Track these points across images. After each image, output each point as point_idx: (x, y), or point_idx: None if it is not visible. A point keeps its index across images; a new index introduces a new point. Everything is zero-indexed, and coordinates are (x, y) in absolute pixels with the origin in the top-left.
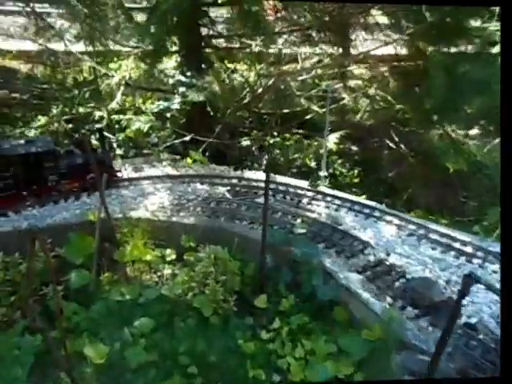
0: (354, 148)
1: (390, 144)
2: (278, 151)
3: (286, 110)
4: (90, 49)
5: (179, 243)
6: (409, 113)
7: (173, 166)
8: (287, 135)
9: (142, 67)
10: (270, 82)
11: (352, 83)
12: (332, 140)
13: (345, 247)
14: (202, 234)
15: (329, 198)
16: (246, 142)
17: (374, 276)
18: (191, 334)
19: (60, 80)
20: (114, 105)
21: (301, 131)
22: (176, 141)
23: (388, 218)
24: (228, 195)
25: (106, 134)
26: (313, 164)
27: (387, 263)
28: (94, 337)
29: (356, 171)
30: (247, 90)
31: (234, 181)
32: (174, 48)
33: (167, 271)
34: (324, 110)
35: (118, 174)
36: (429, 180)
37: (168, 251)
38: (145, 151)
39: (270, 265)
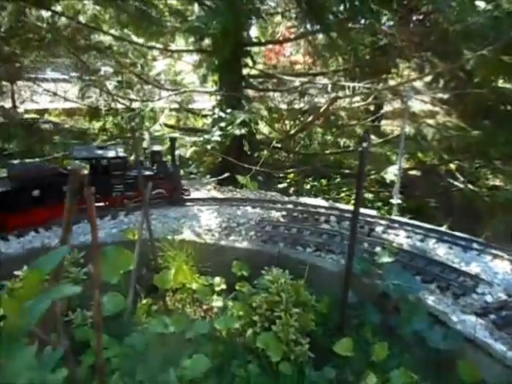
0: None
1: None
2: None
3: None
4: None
5: (229, 271)
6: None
7: (218, 190)
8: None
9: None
10: (322, 109)
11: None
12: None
13: (451, 282)
14: (257, 261)
15: (408, 227)
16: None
17: (502, 321)
18: None
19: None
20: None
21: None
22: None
23: (493, 251)
24: (283, 220)
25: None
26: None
27: None
28: (130, 378)
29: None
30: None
31: (290, 206)
32: (215, 87)
33: (217, 303)
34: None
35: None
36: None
37: (217, 280)
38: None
39: (350, 300)
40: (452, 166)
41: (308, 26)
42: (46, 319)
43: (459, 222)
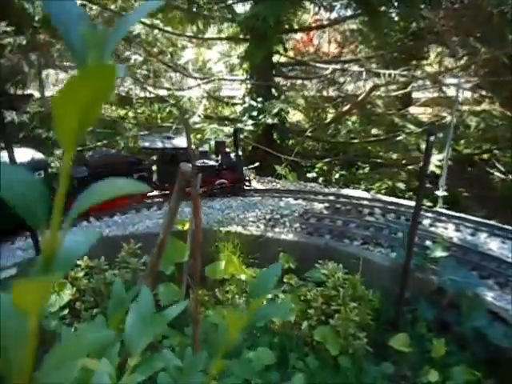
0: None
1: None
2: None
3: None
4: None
5: (276, 262)
6: None
7: (258, 181)
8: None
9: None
10: (360, 98)
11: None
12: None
13: (509, 278)
14: (303, 253)
15: (456, 221)
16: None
17: None
18: (315, 378)
19: None
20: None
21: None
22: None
23: None
24: (326, 212)
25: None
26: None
27: None
28: None
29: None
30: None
31: (331, 197)
32: (245, 75)
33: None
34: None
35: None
36: None
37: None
38: None
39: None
40: (485, 155)
41: (341, 12)
42: None
43: (495, 212)
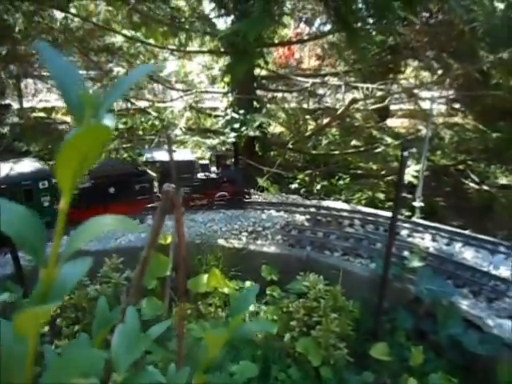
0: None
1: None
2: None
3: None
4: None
5: (258, 275)
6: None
7: None
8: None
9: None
10: (339, 112)
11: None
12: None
13: (482, 287)
14: (285, 265)
15: (433, 231)
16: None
17: None
18: None
19: None
20: (177, 131)
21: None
22: None
23: None
24: (307, 224)
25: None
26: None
27: None
28: None
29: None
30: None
31: (312, 209)
32: (227, 88)
33: (249, 307)
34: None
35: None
36: None
37: (248, 284)
38: None
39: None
40: (461, 166)
41: (320, 27)
42: None
43: (471, 222)
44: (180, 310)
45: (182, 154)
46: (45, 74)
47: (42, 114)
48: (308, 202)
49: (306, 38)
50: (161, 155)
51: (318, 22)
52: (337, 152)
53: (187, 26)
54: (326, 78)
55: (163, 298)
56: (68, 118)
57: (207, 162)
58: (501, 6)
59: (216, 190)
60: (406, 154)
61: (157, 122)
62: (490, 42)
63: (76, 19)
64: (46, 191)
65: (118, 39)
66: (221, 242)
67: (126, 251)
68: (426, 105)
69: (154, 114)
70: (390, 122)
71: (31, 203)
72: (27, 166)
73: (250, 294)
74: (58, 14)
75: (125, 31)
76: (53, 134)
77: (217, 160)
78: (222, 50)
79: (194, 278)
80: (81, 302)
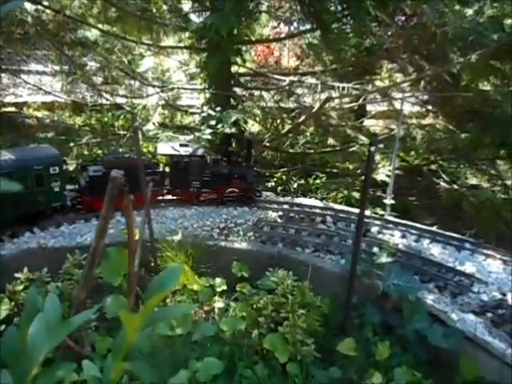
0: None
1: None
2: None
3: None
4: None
5: (229, 271)
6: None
7: None
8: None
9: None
10: (314, 110)
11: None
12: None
13: (447, 282)
14: (256, 261)
15: (402, 228)
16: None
17: (499, 320)
18: None
19: None
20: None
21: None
22: None
23: (485, 251)
24: (280, 220)
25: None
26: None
27: (510, 304)
28: (139, 381)
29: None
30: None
31: (285, 206)
32: (204, 84)
33: (218, 304)
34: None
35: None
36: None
37: (218, 281)
38: None
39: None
40: (433, 166)
41: (300, 26)
42: None
43: (442, 220)
44: (130, 302)
45: (193, 149)
46: (20, 68)
47: (12, 109)
48: (281, 199)
49: (282, 36)
50: (172, 149)
51: (295, 20)
52: (313, 151)
53: (160, 20)
54: (304, 78)
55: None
56: (39, 113)
57: (219, 157)
58: (470, 11)
59: (226, 185)
60: (372, 149)
61: (130, 117)
62: (460, 45)
63: (48, 11)
64: (56, 176)
65: (93, 33)
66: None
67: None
68: (399, 105)
69: (128, 108)
70: (366, 122)
71: (42, 188)
72: (39, 151)
73: (171, 273)
74: (29, 6)
75: (101, 26)
76: (21, 129)
77: (228, 156)
78: (199, 46)
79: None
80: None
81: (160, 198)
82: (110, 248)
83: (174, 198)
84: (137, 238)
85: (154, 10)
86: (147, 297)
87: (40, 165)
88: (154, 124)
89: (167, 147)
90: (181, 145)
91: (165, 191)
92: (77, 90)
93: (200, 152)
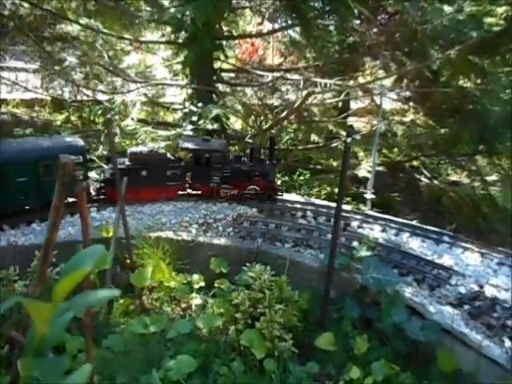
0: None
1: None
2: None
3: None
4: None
5: (207, 267)
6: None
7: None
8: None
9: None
10: (296, 105)
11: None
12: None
13: (426, 275)
14: (235, 257)
15: (382, 222)
16: None
17: (476, 312)
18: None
19: None
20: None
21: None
22: None
23: (464, 244)
24: (260, 215)
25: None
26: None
27: (487, 296)
28: (110, 382)
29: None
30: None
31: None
32: (186, 80)
33: (196, 301)
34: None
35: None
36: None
37: (195, 277)
38: None
39: (329, 295)
40: (415, 162)
41: (282, 23)
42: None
43: (424, 216)
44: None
45: (215, 145)
46: None
47: None
48: None
49: (265, 31)
50: (194, 144)
51: (278, 16)
52: (296, 148)
53: (136, 12)
54: (286, 74)
55: None
56: (18, 111)
57: (241, 154)
58: (450, 9)
59: (247, 182)
60: (349, 140)
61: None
62: (440, 42)
63: (26, 5)
64: (80, 165)
65: (74, 28)
66: (169, 234)
67: (63, 245)
68: (385, 102)
69: (107, 104)
70: (349, 119)
71: None
72: (64, 140)
73: (94, 251)
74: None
75: (81, 20)
76: None
77: (251, 153)
78: (179, 41)
79: (137, 272)
80: (7, 298)
81: (181, 192)
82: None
83: (195, 192)
84: (111, 234)
85: (130, 1)
86: (61, 279)
87: (64, 153)
88: (132, 119)
89: (189, 142)
90: (203, 139)
91: (186, 185)
92: (56, 86)
93: (222, 147)
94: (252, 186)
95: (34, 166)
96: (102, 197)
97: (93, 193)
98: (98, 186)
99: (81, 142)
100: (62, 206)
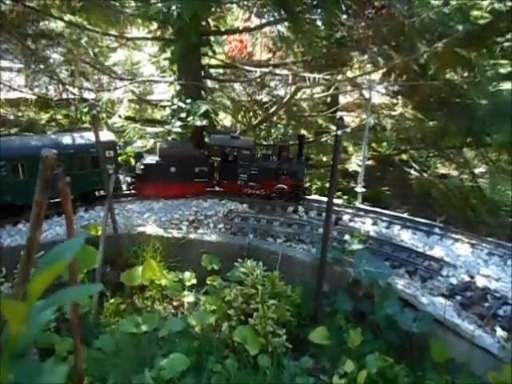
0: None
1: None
2: None
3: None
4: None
5: (199, 265)
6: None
7: None
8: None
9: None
10: (285, 100)
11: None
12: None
13: (417, 267)
14: (227, 253)
15: (373, 215)
16: None
17: (468, 302)
18: (233, 380)
19: None
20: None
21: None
22: None
23: (454, 235)
24: (251, 211)
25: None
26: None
27: (478, 286)
28: (101, 383)
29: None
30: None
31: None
32: (173, 77)
33: (188, 298)
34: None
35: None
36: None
37: (187, 274)
38: None
39: (322, 289)
40: (404, 156)
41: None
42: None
43: (414, 208)
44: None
45: (241, 141)
46: None
47: None
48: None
49: (252, 26)
50: (222, 141)
51: (266, 11)
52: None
53: (122, 8)
54: (275, 69)
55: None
56: (3, 110)
57: (269, 152)
58: (437, 2)
59: (274, 181)
60: (339, 133)
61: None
62: (427, 35)
63: (8, 1)
64: (110, 160)
65: (58, 25)
66: (160, 231)
67: (50, 245)
68: (374, 96)
69: (93, 102)
70: (339, 114)
71: (97, 170)
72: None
73: (71, 244)
74: None
75: (65, 17)
76: None
77: (279, 151)
78: (165, 37)
79: (127, 271)
80: None
81: (209, 189)
82: None
83: (222, 189)
84: (99, 233)
85: None
86: (36, 275)
87: (96, 148)
88: (120, 117)
89: (218, 139)
90: (232, 137)
91: (214, 182)
92: (41, 84)
93: (250, 145)
94: (280, 185)
95: (68, 159)
96: (133, 192)
97: (124, 187)
98: (129, 181)
99: (112, 138)
100: (45, 202)
